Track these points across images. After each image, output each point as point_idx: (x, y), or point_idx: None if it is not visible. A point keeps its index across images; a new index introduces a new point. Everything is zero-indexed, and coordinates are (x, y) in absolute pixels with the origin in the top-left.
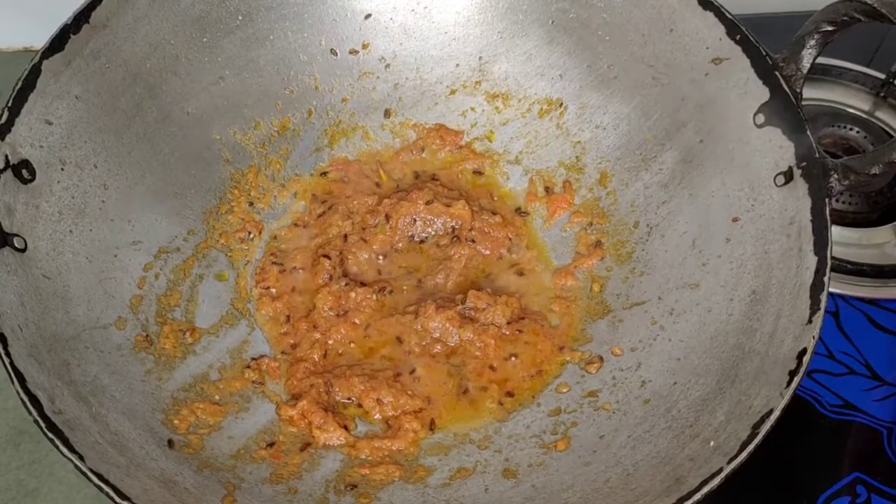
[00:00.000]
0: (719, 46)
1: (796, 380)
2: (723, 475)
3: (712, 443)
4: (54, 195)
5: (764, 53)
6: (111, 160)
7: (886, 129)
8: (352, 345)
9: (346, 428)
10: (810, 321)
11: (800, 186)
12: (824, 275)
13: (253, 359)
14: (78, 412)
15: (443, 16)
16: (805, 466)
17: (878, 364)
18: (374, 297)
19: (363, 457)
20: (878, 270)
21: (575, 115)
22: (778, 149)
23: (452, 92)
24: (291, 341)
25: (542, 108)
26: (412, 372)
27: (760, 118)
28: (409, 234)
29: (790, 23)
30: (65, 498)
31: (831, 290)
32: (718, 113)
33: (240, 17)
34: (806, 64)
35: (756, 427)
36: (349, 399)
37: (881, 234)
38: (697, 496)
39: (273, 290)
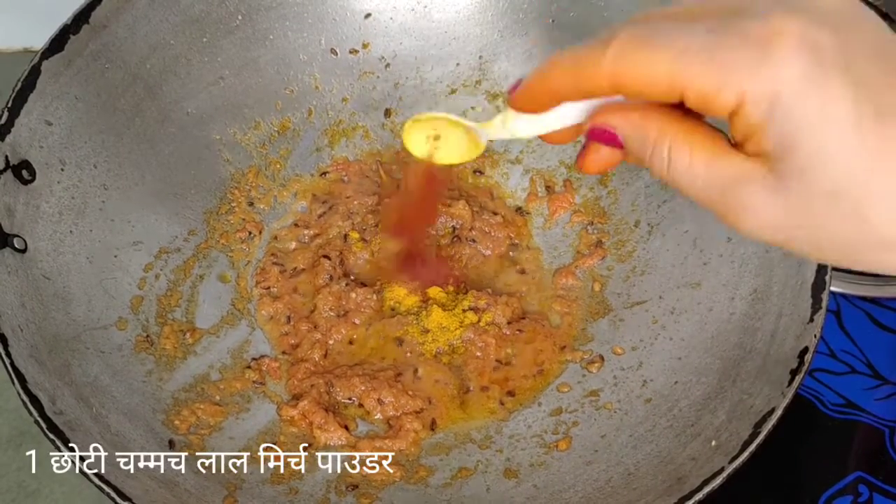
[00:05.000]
0: None
1: (798, 379)
2: (724, 474)
3: (714, 442)
4: (54, 196)
5: None
6: (111, 160)
7: None
8: (352, 345)
9: (346, 428)
10: (812, 320)
11: None
12: (826, 273)
13: (254, 359)
14: (79, 413)
15: (443, 15)
16: (807, 465)
17: (880, 363)
18: (375, 297)
19: None
20: None
21: None
22: None
23: (453, 91)
24: (292, 341)
25: None
26: (413, 372)
27: None
28: None
29: None
30: (66, 499)
31: (833, 288)
32: None
33: (239, 17)
34: None
35: (758, 426)
36: (350, 399)
37: None
38: (699, 496)
39: (274, 291)
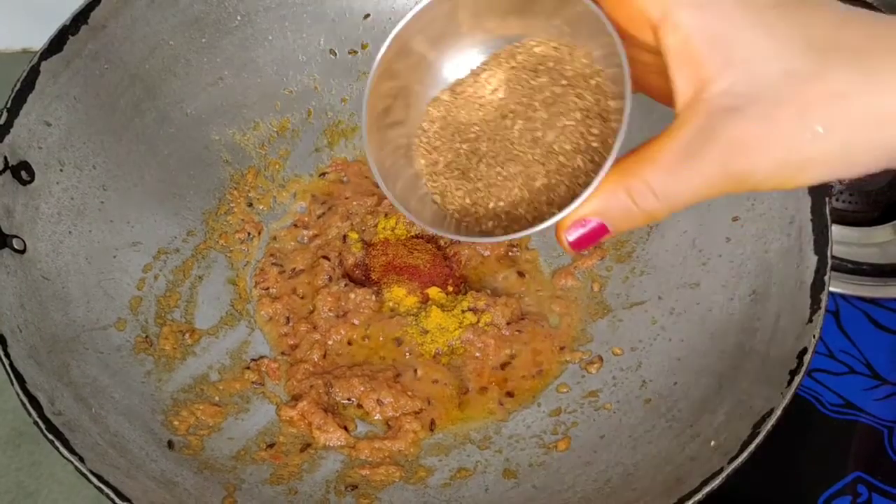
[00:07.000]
0: None
1: (797, 379)
2: (723, 475)
3: (713, 442)
4: (53, 196)
5: None
6: (110, 161)
7: None
8: (351, 346)
9: (346, 429)
10: (811, 320)
11: None
12: (825, 274)
13: (253, 360)
14: (78, 413)
15: None
16: (806, 466)
17: (879, 363)
18: (374, 298)
19: (363, 457)
20: (879, 269)
21: None
22: None
23: None
24: (291, 342)
25: None
26: (412, 373)
27: None
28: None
29: None
30: (64, 499)
31: (831, 289)
32: None
33: (238, 18)
34: None
35: (757, 427)
36: (349, 400)
37: (881, 232)
38: (698, 496)
39: (273, 291)
